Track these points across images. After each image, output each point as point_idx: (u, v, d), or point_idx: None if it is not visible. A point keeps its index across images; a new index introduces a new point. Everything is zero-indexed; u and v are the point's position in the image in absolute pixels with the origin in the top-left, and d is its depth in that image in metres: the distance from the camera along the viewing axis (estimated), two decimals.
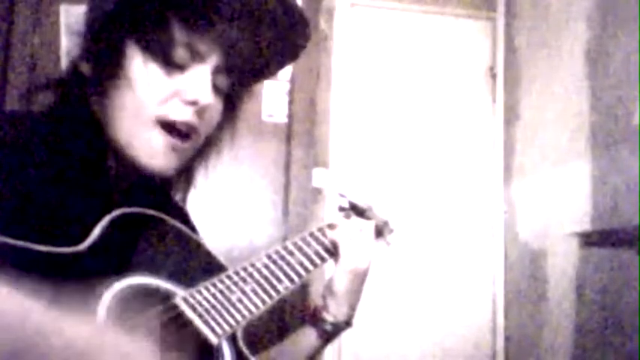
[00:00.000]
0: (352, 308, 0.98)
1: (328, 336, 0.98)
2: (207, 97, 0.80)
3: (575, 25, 2.22)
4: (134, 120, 0.80)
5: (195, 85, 0.80)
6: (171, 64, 0.80)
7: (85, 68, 0.83)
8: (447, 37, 2.78)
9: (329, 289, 0.97)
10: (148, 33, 0.79)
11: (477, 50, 2.79)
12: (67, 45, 2.30)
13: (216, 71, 0.82)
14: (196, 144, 0.85)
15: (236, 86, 0.86)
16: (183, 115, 0.80)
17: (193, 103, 0.80)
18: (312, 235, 0.96)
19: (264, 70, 0.94)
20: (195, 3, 0.80)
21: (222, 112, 0.87)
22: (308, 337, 0.98)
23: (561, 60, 2.30)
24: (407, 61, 2.74)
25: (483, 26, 2.80)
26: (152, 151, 0.80)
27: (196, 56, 0.81)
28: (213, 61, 0.82)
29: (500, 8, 2.79)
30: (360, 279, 0.97)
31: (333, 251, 0.96)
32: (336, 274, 0.97)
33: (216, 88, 0.83)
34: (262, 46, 0.88)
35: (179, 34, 0.80)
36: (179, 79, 0.80)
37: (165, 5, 0.80)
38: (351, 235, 0.97)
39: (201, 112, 0.81)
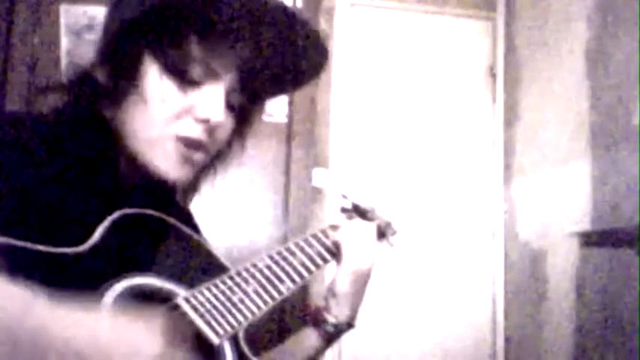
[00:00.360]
0: (354, 309, 0.98)
1: (330, 337, 0.98)
2: (219, 116, 0.81)
3: (575, 25, 2.22)
4: (146, 129, 0.80)
5: (208, 104, 0.80)
6: (185, 81, 0.80)
7: (100, 75, 0.83)
8: (447, 37, 2.78)
9: (331, 290, 0.97)
10: (166, 48, 0.79)
11: (477, 50, 2.79)
12: (67, 45, 2.30)
13: (230, 90, 0.82)
14: (206, 158, 0.85)
15: (249, 103, 0.87)
16: (193, 132, 0.80)
17: (204, 122, 0.80)
18: (314, 236, 0.96)
19: (278, 89, 0.94)
20: (214, 22, 0.80)
21: (232, 127, 0.87)
22: (309, 338, 0.98)
23: (561, 60, 2.30)
24: (407, 61, 2.74)
25: (483, 26, 2.80)
26: (164, 158, 0.81)
27: (211, 74, 0.81)
28: (227, 80, 0.82)
29: (500, 8, 2.79)
30: (362, 280, 0.96)
31: (335, 252, 0.96)
32: (338, 275, 0.96)
33: (228, 106, 0.83)
34: (279, 67, 0.88)
35: (196, 51, 0.80)
36: (192, 96, 0.80)
37: (184, 21, 0.80)
38: (354, 236, 0.97)
39: (211, 130, 0.81)
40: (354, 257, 0.95)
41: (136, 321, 0.66)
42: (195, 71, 0.80)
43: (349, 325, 0.98)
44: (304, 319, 0.99)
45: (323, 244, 0.95)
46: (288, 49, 0.87)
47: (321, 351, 0.98)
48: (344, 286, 0.96)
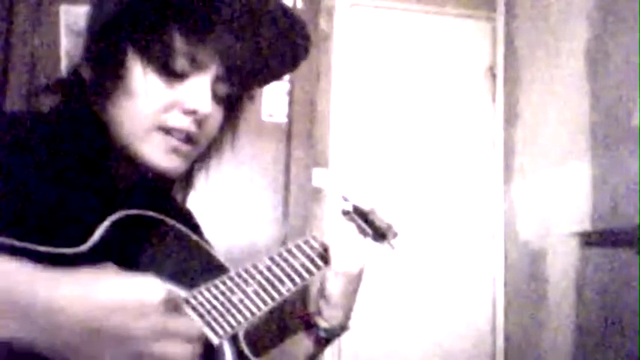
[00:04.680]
0: (347, 312, 0.97)
1: (322, 341, 0.97)
2: (207, 106, 0.80)
3: (575, 25, 2.22)
4: (136, 124, 0.80)
5: (195, 95, 0.80)
6: (170, 74, 0.80)
7: (86, 72, 0.83)
8: (447, 37, 2.78)
9: (321, 293, 0.96)
10: (148, 43, 0.79)
11: (477, 50, 2.79)
12: (67, 45, 2.30)
13: (216, 80, 0.82)
14: (197, 149, 0.85)
15: (236, 93, 0.87)
16: (181, 123, 0.80)
17: (192, 113, 0.80)
18: (315, 238, 0.96)
19: (264, 77, 0.94)
20: (195, 13, 0.80)
21: (222, 118, 0.87)
22: (302, 342, 0.97)
23: (561, 60, 2.30)
24: (407, 61, 2.74)
25: (483, 26, 2.80)
26: (155, 152, 0.81)
27: (196, 66, 0.81)
28: (213, 70, 0.82)
29: (500, 8, 2.79)
30: (353, 283, 0.96)
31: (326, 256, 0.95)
32: (328, 278, 0.95)
33: (216, 96, 0.83)
34: (262, 53, 0.88)
35: (179, 44, 0.80)
36: (179, 89, 0.80)
37: (165, 15, 0.80)
38: (342, 239, 0.96)
39: (200, 121, 0.81)
40: (342, 260, 0.94)
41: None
42: (180, 64, 0.80)
43: (342, 328, 0.97)
44: (298, 324, 0.99)
45: (322, 246, 0.95)
46: (271, 36, 0.87)
47: (317, 354, 0.98)
48: (334, 290, 0.95)
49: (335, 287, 0.95)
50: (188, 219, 0.98)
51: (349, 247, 0.96)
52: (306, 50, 0.91)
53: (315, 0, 2.59)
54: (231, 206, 2.38)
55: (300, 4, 2.46)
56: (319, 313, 0.96)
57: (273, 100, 2.48)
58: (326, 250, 0.95)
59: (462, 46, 2.78)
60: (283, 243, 2.27)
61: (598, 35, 2.09)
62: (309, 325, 0.97)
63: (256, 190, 2.43)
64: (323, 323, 0.96)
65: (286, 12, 0.87)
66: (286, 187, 2.45)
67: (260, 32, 0.86)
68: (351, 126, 2.66)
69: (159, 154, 0.81)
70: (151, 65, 0.79)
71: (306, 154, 2.49)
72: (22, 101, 2.27)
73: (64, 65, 2.28)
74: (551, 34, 2.40)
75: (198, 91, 0.80)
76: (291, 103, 2.49)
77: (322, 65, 2.63)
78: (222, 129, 0.89)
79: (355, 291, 0.97)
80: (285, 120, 2.48)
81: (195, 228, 0.97)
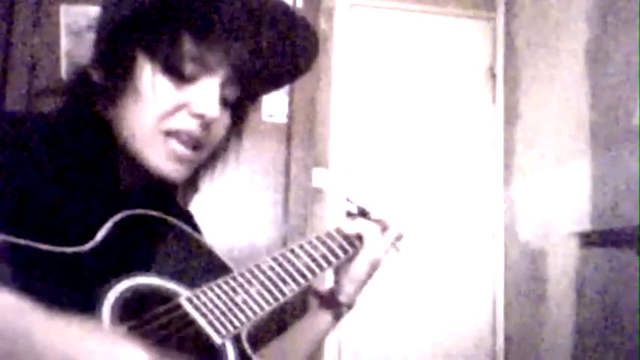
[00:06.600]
0: (358, 295, 1.04)
1: (340, 317, 1.02)
2: (214, 110, 0.80)
3: (575, 25, 2.22)
4: (142, 127, 0.80)
5: (203, 99, 0.80)
6: (179, 77, 0.80)
7: (95, 74, 0.83)
8: (447, 37, 2.78)
9: (346, 273, 1.00)
10: (158, 45, 0.79)
11: (477, 50, 2.79)
12: (67, 45, 2.30)
13: (224, 84, 0.82)
14: (201, 155, 0.85)
15: (244, 98, 0.87)
16: (187, 125, 0.80)
17: (200, 117, 0.80)
18: (318, 238, 0.96)
19: (272, 82, 0.94)
20: (205, 17, 0.80)
21: (228, 123, 0.87)
22: (322, 319, 1.02)
23: (561, 60, 2.31)
24: (407, 61, 2.74)
25: (483, 26, 2.80)
26: (158, 157, 0.81)
27: (205, 69, 0.80)
28: (221, 74, 0.82)
29: (500, 8, 2.79)
30: (374, 270, 1.02)
31: (346, 249, 0.98)
32: (357, 262, 1.00)
33: (223, 100, 0.83)
34: (271, 59, 0.88)
35: (189, 47, 0.80)
36: (187, 92, 0.80)
37: (176, 18, 0.80)
38: (374, 228, 1.02)
39: (207, 125, 0.81)
40: (374, 247, 1.00)
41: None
42: (189, 68, 0.80)
43: (350, 306, 1.03)
44: (318, 302, 1.03)
45: (328, 247, 0.96)
46: (281, 42, 0.87)
47: (331, 331, 1.03)
48: (360, 273, 1.00)
49: (361, 271, 1.00)
50: (188, 220, 0.98)
51: (379, 237, 1.02)
52: (314, 57, 0.92)
53: (315, 0, 2.59)
54: (232, 206, 2.38)
55: (300, 4, 2.46)
56: (341, 291, 1.01)
57: (273, 100, 2.48)
58: (340, 245, 0.98)
59: (462, 46, 2.78)
60: (283, 243, 2.27)
61: (598, 35, 2.09)
62: (330, 303, 1.01)
63: (256, 191, 2.43)
64: (345, 300, 1.01)
65: (295, 18, 0.87)
66: (286, 187, 2.45)
67: (269, 37, 0.86)
68: (351, 126, 2.66)
69: (161, 159, 0.81)
70: (159, 67, 0.79)
71: (306, 154, 2.49)
72: (22, 101, 2.27)
73: (64, 65, 2.28)
74: (552, 34, 2.40)
75: (206, 95, 0.80)
76: (291, 103, 2.48)
77: (322, 65, 2.63)
78: (227, 136, 0.89)
79: (372, 277, 1.03)
80: (285, 120, 2.48)
81: (196, 230, 0.97)
